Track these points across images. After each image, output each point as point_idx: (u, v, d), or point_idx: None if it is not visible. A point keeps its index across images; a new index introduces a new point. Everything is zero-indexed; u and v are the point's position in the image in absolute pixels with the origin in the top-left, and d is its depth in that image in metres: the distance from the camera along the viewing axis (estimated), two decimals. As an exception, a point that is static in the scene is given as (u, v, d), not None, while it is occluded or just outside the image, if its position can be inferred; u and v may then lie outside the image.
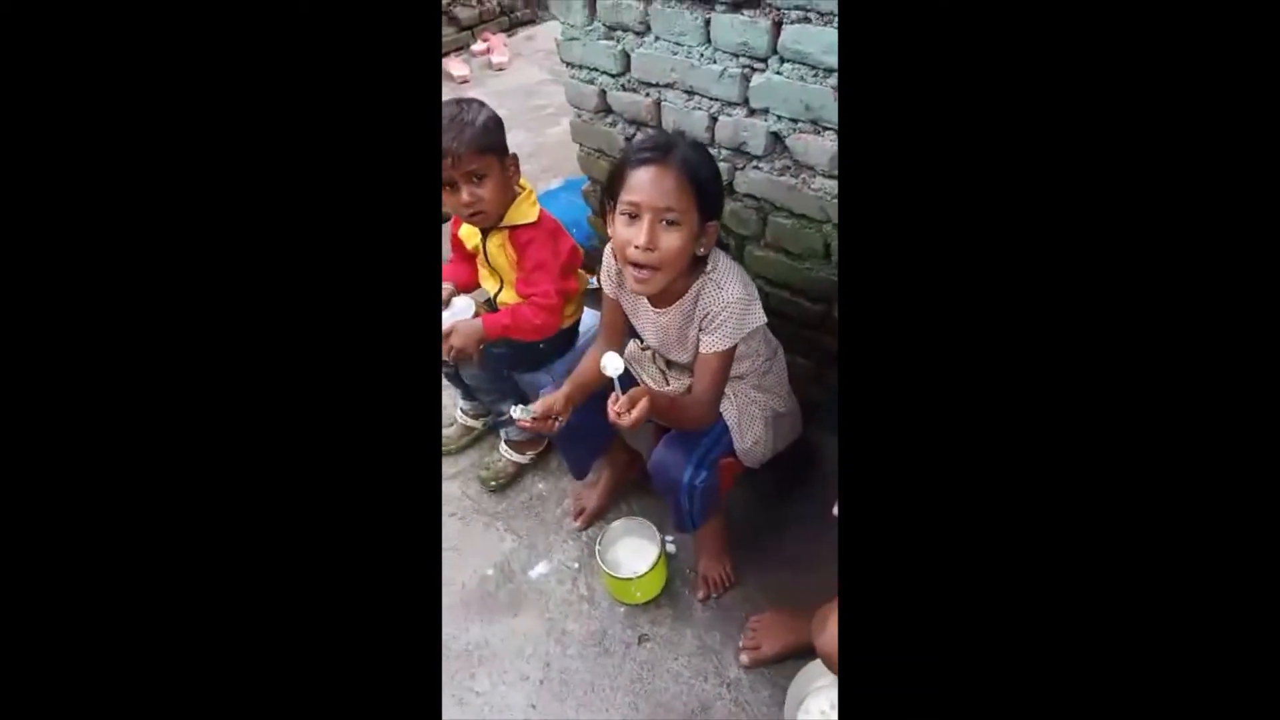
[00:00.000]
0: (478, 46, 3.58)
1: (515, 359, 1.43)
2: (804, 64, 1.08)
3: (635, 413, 0.98)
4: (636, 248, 1.00)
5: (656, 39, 1.24)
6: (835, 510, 0.89)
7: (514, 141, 1.27)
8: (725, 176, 1.29)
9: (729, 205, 1.33)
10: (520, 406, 1.10)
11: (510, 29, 3.82)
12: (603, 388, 1.17)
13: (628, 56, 1.32)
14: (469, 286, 1.51)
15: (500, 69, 3.41)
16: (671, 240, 1.00)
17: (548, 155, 2.62)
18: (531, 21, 3.90)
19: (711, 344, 1.10)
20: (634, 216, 1.00)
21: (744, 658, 1.21)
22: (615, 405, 0.99)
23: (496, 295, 1.44)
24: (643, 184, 0.98)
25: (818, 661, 1.14)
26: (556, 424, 1.13)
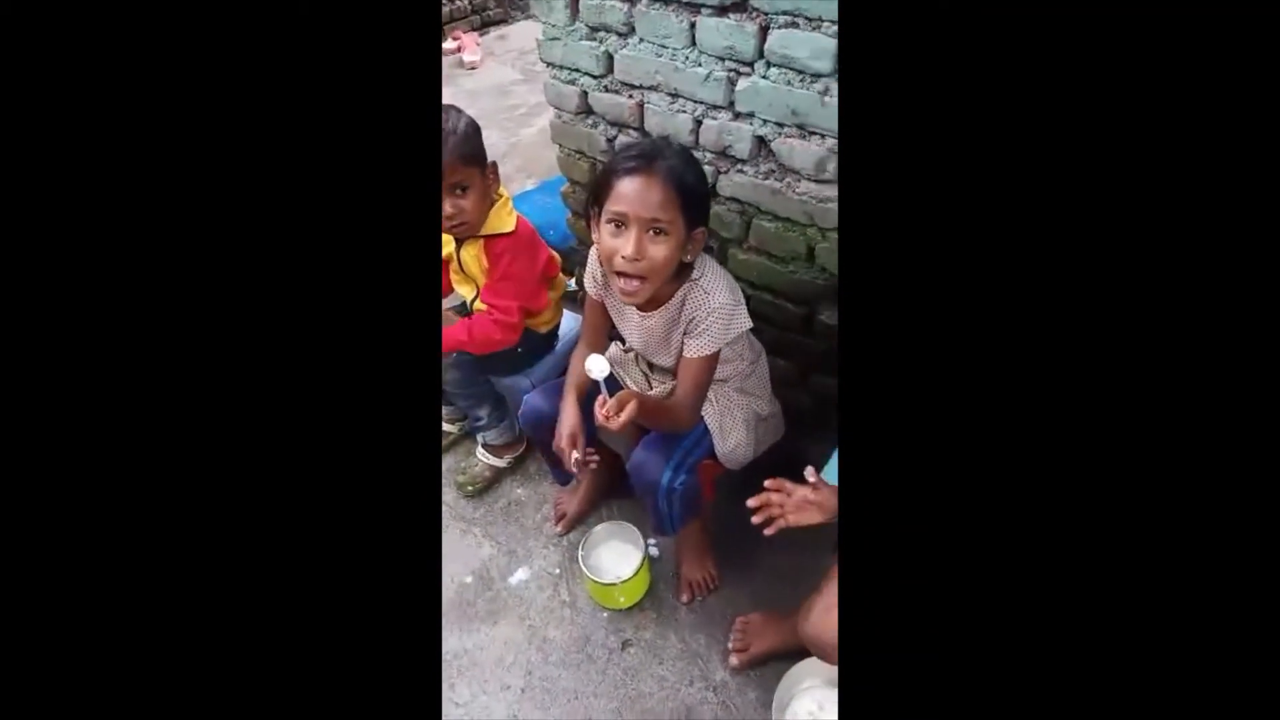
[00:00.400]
0: (449, 45, 3.52)
1: (490, 362, 1.40)
2: (791, 68, 1.08)
3: (624, 415, 0.97)
4: (624, 258, 0.99)
5: (640, 41, 1.24)
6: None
7: (487, 142, 1.25)
8: (709, 180, 1.28)
9: (712, 208, 1.33)
10: (575, 455, 1.16)
11: (482, 28, 3.77)
12: (588, 391, 1.16)
13: (610, 58, 1.31)
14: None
15: (472, 68, 3.37)
16: (659, 250, 1.00)
17: (521, 155, 2.60)
18: (504, 20, 3.85)
19: (696, 348, 1.10)
20: (620, 225, 1.00)
21: (733, 660, 1.21)
22: (603, 408, 0.98)
23: (472, 301, 1.41)
24: (629, 194, 0.98)
25: (804, 663, 1.15)
26: (592, 461, 1.18)
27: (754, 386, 1.26)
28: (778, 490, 0.91)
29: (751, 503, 0.92)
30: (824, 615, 0.96)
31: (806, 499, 0.91)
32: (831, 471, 1.03)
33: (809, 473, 0.93)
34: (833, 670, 1.14)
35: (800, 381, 1.47)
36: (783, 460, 1.40)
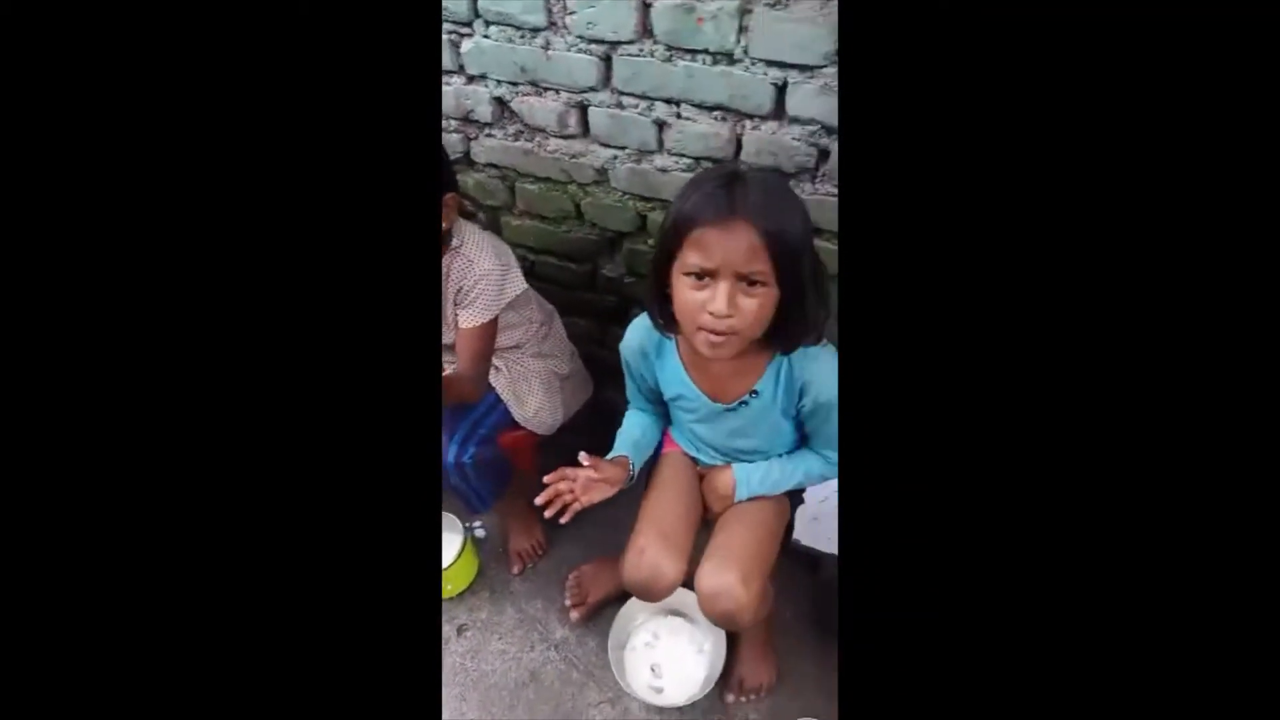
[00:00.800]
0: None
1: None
2: (509, 25, 1.08)
3: None
4: None
5: (356, 10, 1.17)
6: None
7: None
8: (459, 147, 1.26)
9: (473, 177, 1.31)
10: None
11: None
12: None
13: (333, 33, 1.23)
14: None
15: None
16: None
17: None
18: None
19: (470, 318, 1.08)
20: None
21: (574, 615, 1.23)
22: None
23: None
24: None
25: (634, 600, 1.19)
26: None
27: (551, 348, 1.27)
28: (561, 479, 0.94)
29: (539, 500, 0.94)
30: (638, 559, 1.00)
31: (591, 479, 0.94)
32: (621, 444, 1.07)
33: (583, 457, 0.96)
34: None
35: (599, 337, 1.50)
36: (598, 417, 1.43)
